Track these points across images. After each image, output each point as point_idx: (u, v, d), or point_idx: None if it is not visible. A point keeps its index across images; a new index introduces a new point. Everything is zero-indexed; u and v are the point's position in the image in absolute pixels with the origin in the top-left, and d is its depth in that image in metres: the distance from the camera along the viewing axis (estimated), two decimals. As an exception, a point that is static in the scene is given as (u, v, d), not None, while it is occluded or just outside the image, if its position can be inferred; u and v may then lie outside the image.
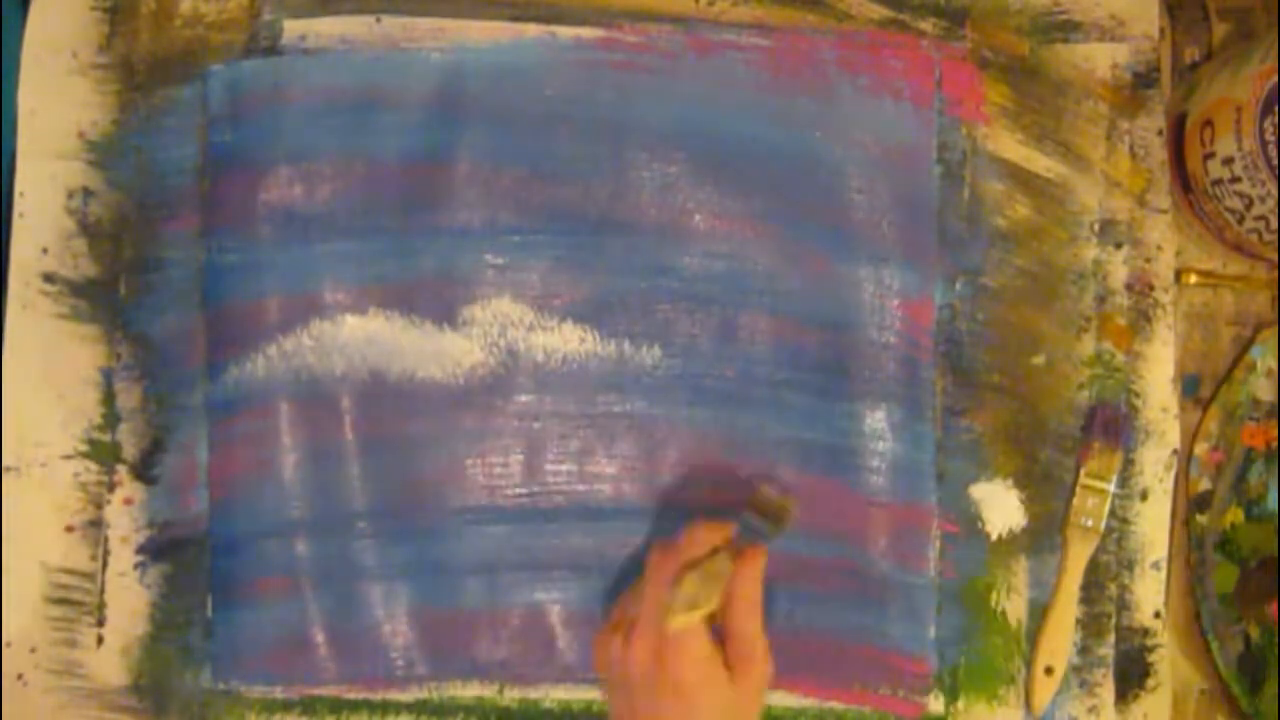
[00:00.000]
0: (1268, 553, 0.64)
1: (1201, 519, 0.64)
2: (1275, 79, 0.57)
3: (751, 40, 0.64)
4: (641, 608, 0.53)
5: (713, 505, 0.61)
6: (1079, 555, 0.62)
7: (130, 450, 0.62)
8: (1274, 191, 0.58)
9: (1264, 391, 0.65)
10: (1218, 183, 0.62)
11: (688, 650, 0.51)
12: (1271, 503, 0.64)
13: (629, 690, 0.52)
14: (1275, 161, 0.58)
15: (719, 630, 0.53)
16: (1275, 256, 0.63)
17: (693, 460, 0.62)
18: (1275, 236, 0.61)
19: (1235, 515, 0.64)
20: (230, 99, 0.62)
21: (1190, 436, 0.65)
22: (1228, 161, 0.60)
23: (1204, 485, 0.65)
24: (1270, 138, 0.58)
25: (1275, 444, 0.65)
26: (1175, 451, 0.64)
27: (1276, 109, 0.57)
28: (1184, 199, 0.65)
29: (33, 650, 0.61)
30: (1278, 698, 0.63)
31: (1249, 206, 0.61)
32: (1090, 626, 0.63)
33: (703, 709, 0.52)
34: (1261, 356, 0.65)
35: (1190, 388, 0.66)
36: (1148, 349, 0.64)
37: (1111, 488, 0.63)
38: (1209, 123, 0.62)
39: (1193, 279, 0.66)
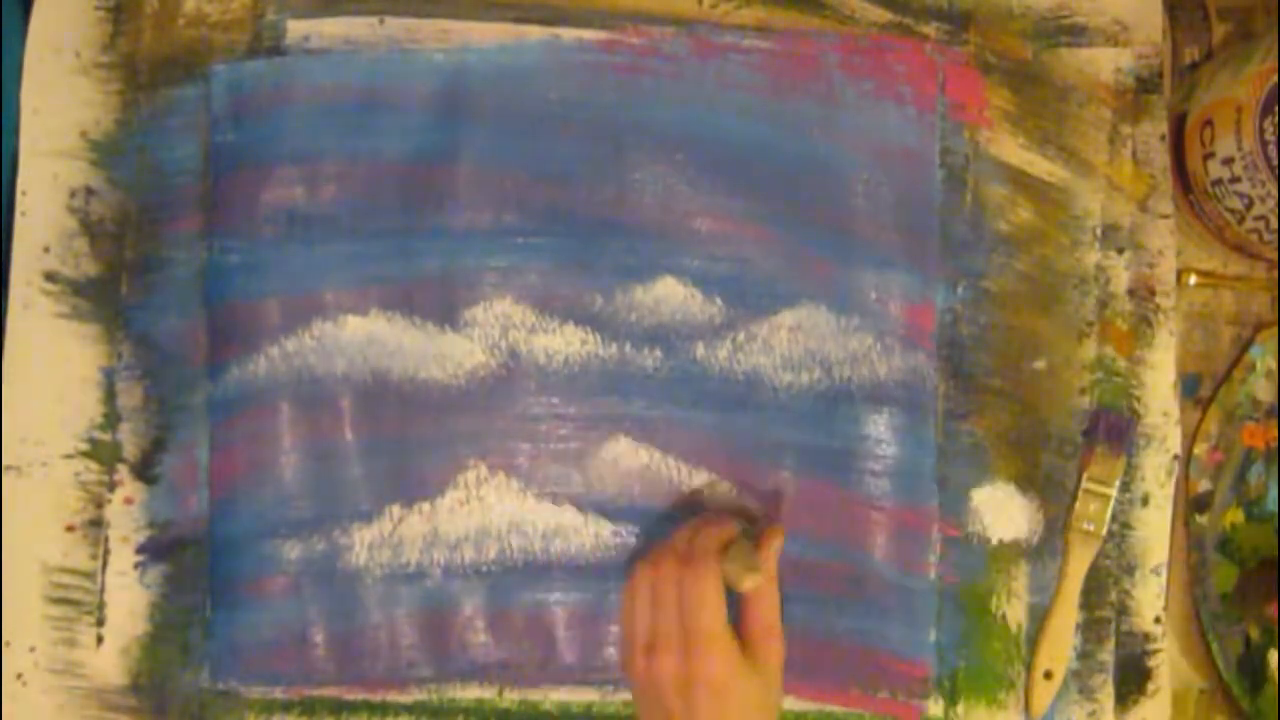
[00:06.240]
0: (1268, 553, 0.64)
1: (1201, 519, 0.64)
2: (1275, 79, 0.58)
3: (754, 43, 0.64)
4: (657, 619, 0.53)
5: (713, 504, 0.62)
6: (1080, 560, 0.62)
7: (131, 450, 0.62)
8: (1274, 191, 0.59)
9: (1264, 391, 0.65)
10: (1218, 183, 0.62)
11: (715, 647, 0.52)
12: (1271, 503, 0.64)
13: (661, 699, 0.53)
14: (1275, 161, 0.58)
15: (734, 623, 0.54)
16: (1275, 256, 0.63)
17: (694, 462, 0.62)
18: (1275, 236, 0.61)
19: (1235, 515, 0.64)
20: (233, 99, 0.62)
21: (1190, 437, 0.65)
22: (1228, 161, 0.61)
23: (1204, 485, 0.65)
24: (1270, 138, 0.58)
25: (1275, 444, 0.65)
26: (1176, 457, 0.64)
27: (1276, 109, 0.58)
28: (1184, 199, 0.65)
29: (32, 650, 0.60)
30: (1278, 697, 0.63)
31: (1249, 206, 0.61)
32: (1090, 631, 0.63)
33: (735, 701, 0.52)
34: (1261, 356, 0.65)
35: (1190, 388, 0.66)
36: (1149, 354, 0.64)
37: (1114, 492, 0.63)
38: (1209, 123, 0.62)
39: (1193, 279, 0.66)
